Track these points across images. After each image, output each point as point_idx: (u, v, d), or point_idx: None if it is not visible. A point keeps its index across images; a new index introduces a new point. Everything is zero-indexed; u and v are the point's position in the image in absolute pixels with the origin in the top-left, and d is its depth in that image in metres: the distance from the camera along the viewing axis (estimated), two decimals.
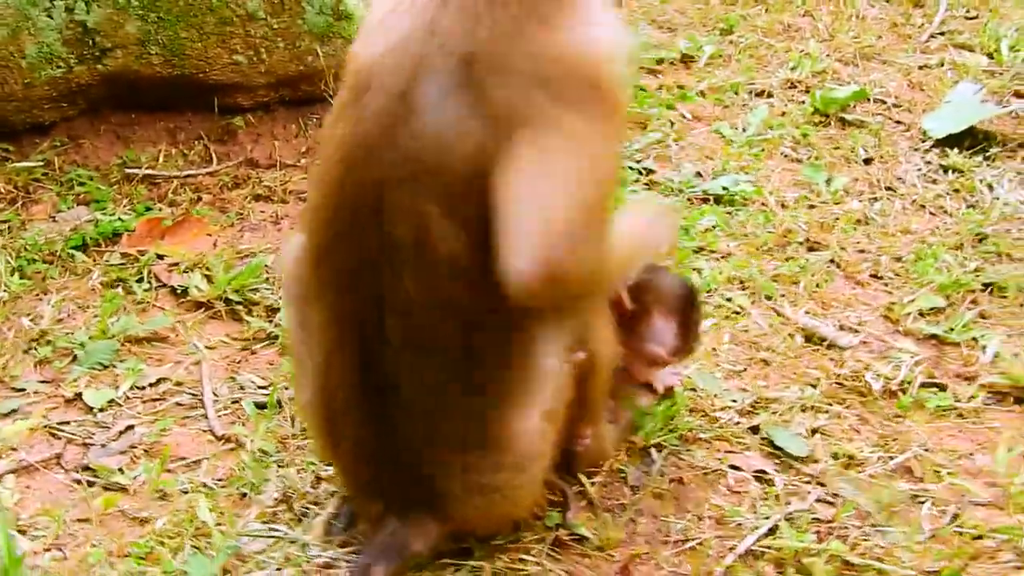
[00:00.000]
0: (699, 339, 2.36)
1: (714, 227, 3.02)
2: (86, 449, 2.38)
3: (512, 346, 1.81)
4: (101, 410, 2.50)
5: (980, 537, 2.12)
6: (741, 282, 2.76)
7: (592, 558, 2.06)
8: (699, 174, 3.24)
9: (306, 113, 3.55)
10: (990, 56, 3.86)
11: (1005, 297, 2.73)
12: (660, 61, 3.85)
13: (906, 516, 2.17)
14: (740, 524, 2.13)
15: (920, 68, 3.77)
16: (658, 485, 2.22)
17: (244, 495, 2.22)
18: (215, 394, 2.52)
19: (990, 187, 3.13)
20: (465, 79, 1.69)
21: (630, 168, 3.25)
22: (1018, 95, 3.66)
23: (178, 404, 2.52)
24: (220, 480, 2.26)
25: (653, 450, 2.29)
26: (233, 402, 2.50)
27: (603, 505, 2.17)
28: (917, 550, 2.06)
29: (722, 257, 2.85)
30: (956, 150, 3.30)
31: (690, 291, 2.29)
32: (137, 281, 2.91)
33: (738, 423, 2.37)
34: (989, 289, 2.77)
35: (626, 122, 1.83)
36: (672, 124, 3.46)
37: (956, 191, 3.15)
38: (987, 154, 3.26)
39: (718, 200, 3.12)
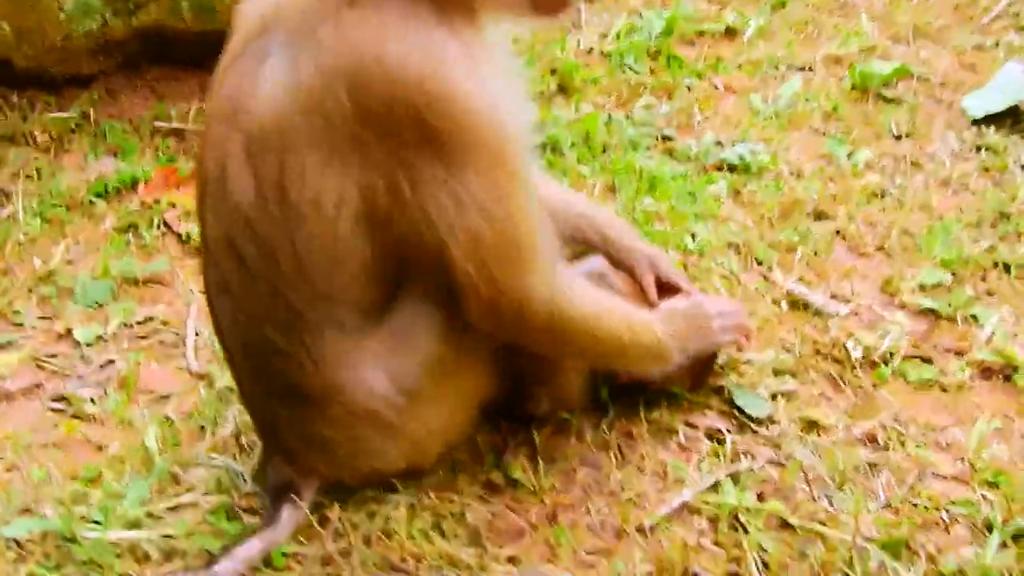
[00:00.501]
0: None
1: (724, 195, 2.92)
2: (66, 380, 2.41)
3: (320, 305, 1.81)
4: (88, 345, 2.55)
5: (936, 509, 2.02)
6: (736, 247, 2.67)
7: (522, 503, 2.03)
8: (719, 143, 3.16)
9: None
10: None
11: (1018, 278, 2.59)
12: (701, 33, 3.77)
13: (863, 484, 2.07)
14: (681, 480, 2.06)
15: (974, 48, 3.62)
16: (606, 438, 2.15)
17: (202, 428, 2.23)
18: (197, 334, 2.53)
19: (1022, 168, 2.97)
20: (293, 45, 1.74)
21: (648, 135, 3.17)
22: None
23: (161, 342, 2.56)
24: (184, 413, 2.28)
25: (611, 404, 2.21)
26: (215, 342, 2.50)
27: (546, 453, 2.11)
28: (864, 517, 1.95)
29: (722, 222, 2.77)
30: (993, 129, 3.14)
31: None
32: (147, 227, 2.93)
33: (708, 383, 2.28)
34: (1002, 269, 2.61)
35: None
36: (701, 94, 3.37)
37: (986, 170, 3.01)
38: None
39: (732, 168, 3.05)
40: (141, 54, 3.52)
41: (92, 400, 2.36)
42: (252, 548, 1.83)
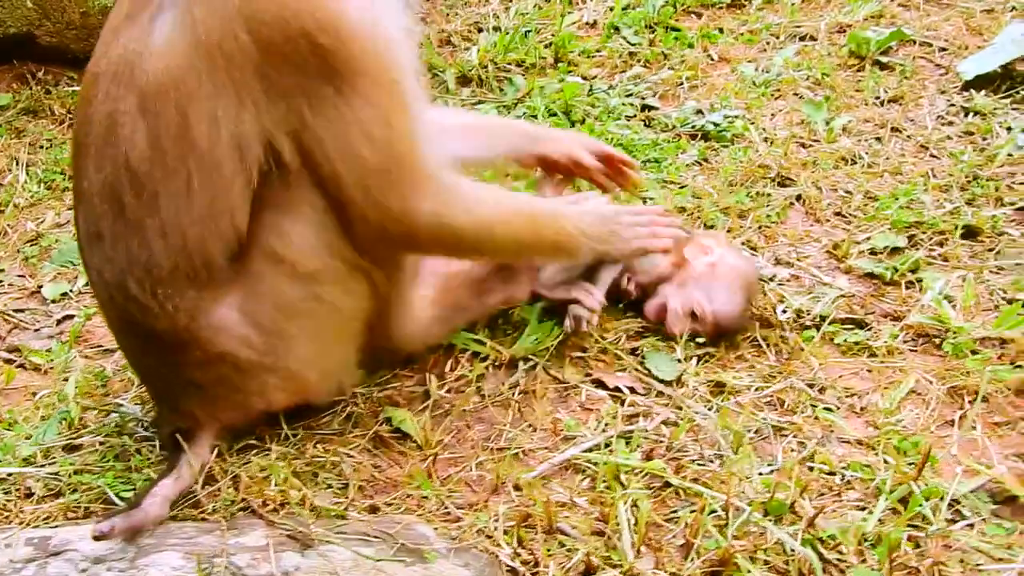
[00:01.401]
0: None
1: (694, 162, 2.88)
2: (25, 333, 2.52)
3: (181, 258, 1.85)
4: (54, 301, 2.65)
5: (832, 473, 1.97)
6: (688, 211, 2.63)
7: (407, 456, 2.03)
8: (700, 111, 3.12)
9: None
10: None
11: (979, 241, 2.50)
12: (709, 5, 3.71)
13: (761, 447, 2.03)
14: (572, 438, 2.04)
15: (983, 12, 3.48)
16: (508, 396, 2.15)
17: (133, 380, 2.30)
18: None
19: (1009, 130, 2.86)
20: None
21: (631, 104, 3.15)
22: None
23: None
24: (122, 366, 2.34)
25: (521, 362, 2.21)
26: None
27: (442, 409, 2.12)
28: (753, 480, 1.92)
29: (681, 187, 2.73)
30: (984, 93, 3.03)
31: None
32: None
33: (624, 344, 2.26)
34: (961, 232, 2.53)
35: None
36: (693, 64, 3.33)
37: (969, 133, 2.90)
38: (1020, 96, 2.98)
39: (706, 136, 3.00)
40: None
41: (43, 351, 2.42)
42: (155, 497, 1.87)
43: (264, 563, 1.71)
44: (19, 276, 2.79)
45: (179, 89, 1.77)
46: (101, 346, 2.47)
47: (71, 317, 2.58)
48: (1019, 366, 2.15)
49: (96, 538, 1.71)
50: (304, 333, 1.91)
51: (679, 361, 2.20)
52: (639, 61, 3.41)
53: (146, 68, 1.79)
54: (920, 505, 1.84)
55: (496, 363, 2.23)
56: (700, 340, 2.26)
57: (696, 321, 2.27)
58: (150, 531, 1.76)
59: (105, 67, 1.85)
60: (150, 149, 1.79)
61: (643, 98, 3.19)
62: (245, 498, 1.87)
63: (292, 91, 1.79)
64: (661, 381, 2.16)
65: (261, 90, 1.78)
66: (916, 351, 2.25)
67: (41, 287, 2.71)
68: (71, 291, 2.66)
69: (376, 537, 1.78)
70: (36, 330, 2.57)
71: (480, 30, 3.65)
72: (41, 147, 3.41)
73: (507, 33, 3.48)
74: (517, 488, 1.94)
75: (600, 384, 2.17)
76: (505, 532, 1.83)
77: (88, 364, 2.36)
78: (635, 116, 3.12)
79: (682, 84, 3.26)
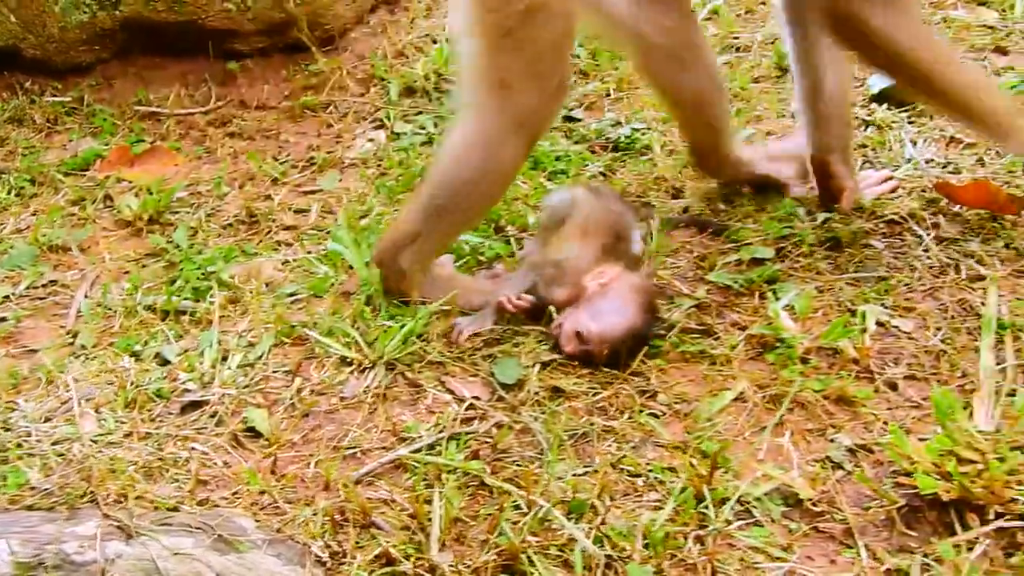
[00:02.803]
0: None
1: (599, 173, 3.04)
2: None
3: None
4: None
5: (637, 475, 2.12)
6: None
7: (257, 453, 2.24)
8: (618, 123, 3.26)
9: (296, 59, 3.84)
10: (1002, 12, 3.58)
11: (842, 252, 2.63)
12: None
13: (581, 449, 2.20)
14: (408, 439, 2.23)
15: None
16: (362, 398, 2.34)
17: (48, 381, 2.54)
18: (87, 297, 2.85)
19: (901, 143, 2.97)
20: None
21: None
22: (1000, 51, 3.39)
23: (56, 303, 2.88)
24: (38, 366, 2.58)
25: (383, 366, 2.40)
26: (98, 305, 2.83)
27: (301, 408, 2.32)
28: (566, 480, 2.08)
29: None
30: (886, 106, 3.13)
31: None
32: (92, 201, 3.29)
33: (478, 351, 2.44)
34: (830, 244, 2.65)
35: None
36: (621, 76, 3.48)
37: (863, 147, 3.00)
38: (919, 110, 3.08)
39: (616, 147, 3.14)
40: (132, 44, 3.87)
41: None
42: None
43: (91, 551, 1.92)
44: None
45: None
46: (26, 346, 2.69)
47: (4, 319, 2.79)
48: (840, 376, 2.26)
49: None
50: None
51: (525, 367, 2.35)
52: (576, 72, 3.54)
53: None
54: (704, 505, 2.00)
55: (361, 367, 2.40)
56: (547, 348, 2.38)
57: (585, 342, 2.37)
58: None
59: None
60: None
61: (569, 109, 3.33)
62: (93, 491, 2.08)
63: None
64: (503, 386, 2.31)
65: None
66: (753, 360, 2.36)
67: None
68: (12, 295, 2.88)
69: (198, 529, 1.98)
70: None
71: (435, 42, 3.82)
72: (23, 155, 3.65)
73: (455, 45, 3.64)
74: (345, 485, 2.12)
75: (447, 388, 2.33)
76: (322, 526, 2.01)
77: (8, 365, 2.57)
78: (557, 127, 3.26)
79: (608, 95, 3.39)
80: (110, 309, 2.71)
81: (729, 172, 2.79)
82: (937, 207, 2.73)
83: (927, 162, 2.90)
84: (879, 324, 2.41)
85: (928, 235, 2.63)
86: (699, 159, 2.79)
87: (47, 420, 2.32)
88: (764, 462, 2.12)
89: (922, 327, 2.40)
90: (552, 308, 2.42)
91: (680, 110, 2.72)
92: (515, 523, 2.00)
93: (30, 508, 2.07)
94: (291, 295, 2.66)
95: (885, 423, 2.17)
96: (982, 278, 2.47)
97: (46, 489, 2.11)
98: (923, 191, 2.80)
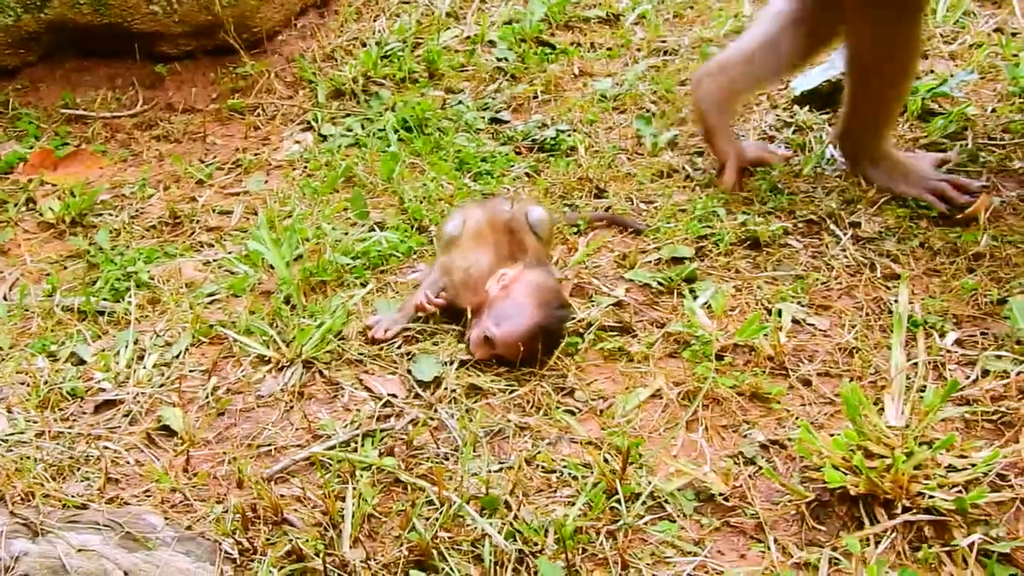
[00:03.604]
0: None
1: (523, 173, 3.05)
2: None
3: None
4: None
5: (551, 471, 2.12)
6: None
7: (170, 451, 2.22)
8: (544, 125, 3.27)
9: (225, 62, 3.81)
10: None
11: (760, 251, 2.64)
12: (587, 20, 3.86)
13: (496, 445, 2.19)
14: (324, 436, 2.22)
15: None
16: (279, 396, 2.33)
17: None
18: (5, 299, 2.81)
19: (819, 144, 3.00)
20: None
21: (483, 118, 3.32)
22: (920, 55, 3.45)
23: None
24: None
25: (301, 365, 2.39)
26: (15, 307, 2.78)
27: (216, 407, 2.30)
28: (480, 476, 2.08)
29: None
30: (808, 108, 3.17)
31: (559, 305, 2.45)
32: (14, 204, 3.24)
33: (397, 349, 2.43)
34: (750, 243, 2.67)
35: None
36: (553, 78, 3.49)
37: (785, 146, 3.03)
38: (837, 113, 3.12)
39: (542, 148, 3.15)
40: (58, 47, 3.82)
41: None
42: None
43: None
44: None
45: None
46: None
47: None
48: (755, 372, 2.28)
49: None
50: None
51: (442, 364, 2.34)
52: (504, 75, 3.56)
53: None
54: (616, 500, 2.00)
55: (279, 366, 2.39)
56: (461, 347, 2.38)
57: (493, 347, 2.37)
58: None
59: None
60: None
61: (496, 111, 3.34)
62: (1, 489, 2.05)
63: None
64: (420, 383, 2.31)
65: None
66: (671, 357, 2.37)
67: None
68: None
69: (106, 526, 1.96)
70: None
71: (363, 45, 3.82)
72: None
73: (383, 47, 3.65)
74: (260, 482, 2.11)
75: (365, 386, 2.32)
76: (232, 523, 1.99)
77: None
78: (484, 129, 3.27)
79: (536, 97, 3.41)
80: (28, 310, 2.66)
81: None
82: (855, 207, 2.75)
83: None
84: (795, 322, 2.43)
85: (845, 234, 2.65)
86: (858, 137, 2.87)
87: None
88: (677, 458, 2.12)
89: (837, 324, 2.43)
90: (468, 310, 2.41)
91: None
92: (427, 519, 1.98)
93: None
94: (210, 295, 2.64)
95: (798, 419, 2.17)
96: (897, 276, 2.49)
97: None
98: (842, 191, 2.81)
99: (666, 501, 2.05)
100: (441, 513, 1.99)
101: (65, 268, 2.92)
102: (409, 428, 2.22)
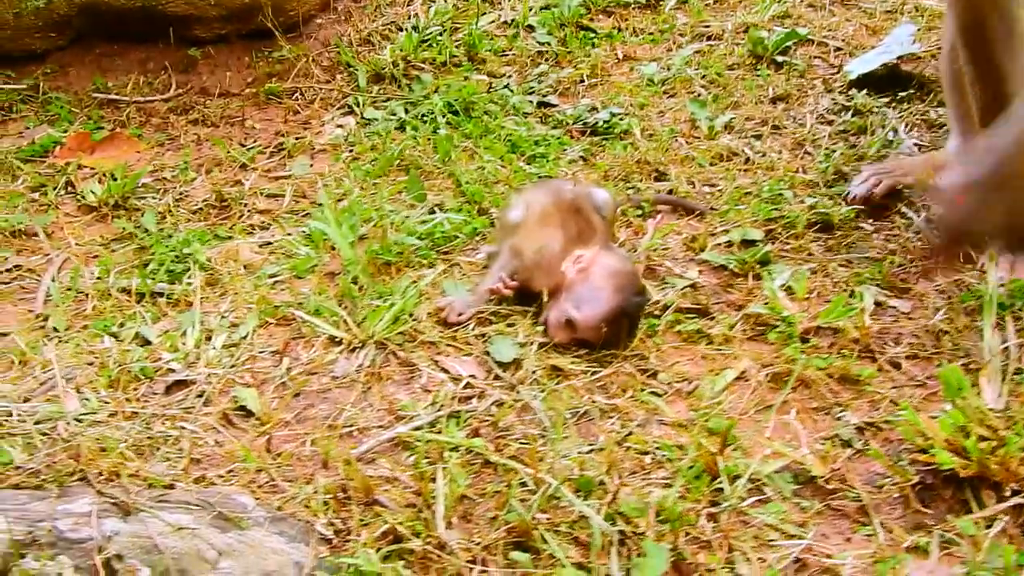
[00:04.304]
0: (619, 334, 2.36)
1: (578, 157, 3.00)
2: None
3: None
4: None
5: (644, 453, 2.07)
6: None
7: (249, 432, 2.15)
8: (595, 109, 3.22)
9: (259, 46, 3.74)
10: None
11: (832, 235, 2.60)
12: (626, 5, 3.82)
13: (584, 427, 2.14)
14: (406, 417, 2.16)
15: (885, 13, 3.58)
16: (355, 377, 2.26)
17: (11, 362, 2.41)
18: (53, 280, 2.73)
19: (883, 128, 2.96)
20: None
21: (530, 102, 3.27)
22: None
23: (21, 287, 2.75)
24: (9, 349, 2.47)
25: (373, 346, 2.33)
26: (68, 289, 2.71)
27: (292, 387, 2.23)
28: (569, 457, 2.02)
29: None
30: (866, 92, 3.14)
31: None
32: (53, 187, 3.16)
33: (472, 329, 2.38)
34: (820, 226, 2.63)
35: None
36: (598, 63, 3.44)
37: (845, 132, 3.00)
38: (899, 96, 3.08)
39: (595, 132, 3.10)
40: (90, 31, 3.75)
41: None
42: None
43: (86, 528, 1.82)
44: None
45: None
46: None
47: None
48: (843, 355, 2.23)
49: None
50: None
51: (520, 346, 2.29)
52: (546, 59, 3.51)
53: None
54: (715, 483, 1.95)
55: (351, 347, 2.33)
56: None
57: (574, 331, 2.31)
58: None
59: None
60: None
61: (543, 95, 3.29)
62: (83, 469, 1.98)
63: None
64: (500, 364, 2.25)
65: None
66: (753, 339, 2.33)
67: None
68: None
69: (196, 506, 1.90)
70: None
71: (400, 29, 3.76)
72: None
73: (422, 32, 3.59)
74: (346, 463, 2.04)
75: (442, 368, 2.26)
76: (323, 503, 1.93)
77: None
78: (532, 113, 3.21)
79: (582, 82, 3.36)
80: (81, 292, 2.59)
81: None
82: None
83: (915, 147, 2.88)
84: (876, 304, 2.38)
85: (919, 216, 2.61)
86: None
87: (26, 400, 2.20)
88: (772, 440, 2.07)
89: (919, 307, 2.38)
90: (544, 292, 2.36)
91: None
92: (523, 501, 1.92)
93: (16, 487, 1.95)
94: (272, 276, 2.57)
95: (892, 402, 2.13)
96: (974, 259, 2.46)
97: (31, 468, 1.99)
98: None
99: (764, 484, 1.98)
100: (538, 495, 1.92)
101: (113, 251, 2.84)
102: (493, 409, 2.15)
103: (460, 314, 2.38)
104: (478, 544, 1.87)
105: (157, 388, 2.25)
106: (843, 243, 2.59)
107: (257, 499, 1.95)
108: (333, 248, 2.60)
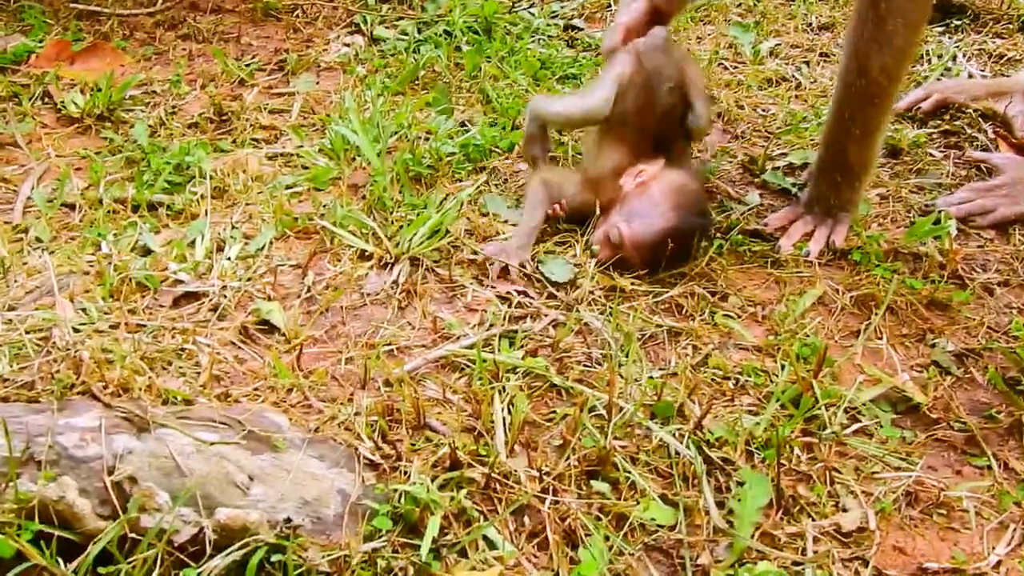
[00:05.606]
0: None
1: None
2: None
3: None
4: None
5: (726, 377, 1.83)
6: None
7: (274, 348, 1.88)
8: None
9: None
10: None
11: (900, 160, 2.38)
12: None
13: (653, 350, 1.89)
14: (452, 336, 1.90)
15: None
16: (390, 293, 2.00)
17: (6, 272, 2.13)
18: (39, 191, 2.44)
19: (939, 57, 2.74)
20: None
21: (556, 25, 3.01)
22: None
23: None
24: None
25: (408, 262, 2.06)
26: (48, 201, 2.41)
27: (317, 303, 1.97)
28: (642, 382, 1.78)
29: None
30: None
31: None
32: (28, 97, 2.86)
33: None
34: (887, 151, 2.41)
35: None
36: None
37: None
38: (952, 25, 2.86)
39: None
40: None
41: None
42: None
43: (93, 444, 1.55)
44: None
45: None
46: None
47: None
48: (929, 279, 2.01)
49: None
50: None
51: (576, 266, 2.03)
52: None
53: None
54: (813, 409, 1.70)
55: (382, 263, 2.06)
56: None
57: (617, 246, 2.07)
58: None
59: None
60: None
61: (568, 19, 3.04)
62: (85, 381, 1.70)
63: None
64: (553, 284, 2.00)
65: None
66: (826, 265, 2.10)
67: None
68: None
69: (223, 423, 1.63)
70: None
71: None
72: None
73: None
74: (388, 384, 1.78)
75: (487, 286, 2.01)
76: (368, 426, 1.67)
77: None
78: (557, 36, 2.96)
79: (610, 7, 3.10)
80: (66, 205, 2.30)
81: None
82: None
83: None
84: (959, 229, 2.15)
85: (991, 141, 2.40)
86: None
87: (11, 308, 1.90)
88: (864, 367, 1.84)
89: (1002, 232, 2.16)
90: (597, 205, 2.11)
91: None
92: (582, 423, 1.67)
93: (4, 400, 1.66)
94: (289, 187, 2.29)
95: (990, 328, 1.90)
96: None
97: (23, 381, 1.70)
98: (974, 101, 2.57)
99: (860, 413, 1.75)
100: (614, 421, 1.67)
101: (105, 161, 2.54)
102: (551, 330, 1.89)
103: (522, 265, 2.09)
104: (548, 473, 1.61)
105: (163, 300, 1.97)
106: (911, 169, 2.34)
107: (291, 419, 1.67)
108: (354, 159, 2.31)
